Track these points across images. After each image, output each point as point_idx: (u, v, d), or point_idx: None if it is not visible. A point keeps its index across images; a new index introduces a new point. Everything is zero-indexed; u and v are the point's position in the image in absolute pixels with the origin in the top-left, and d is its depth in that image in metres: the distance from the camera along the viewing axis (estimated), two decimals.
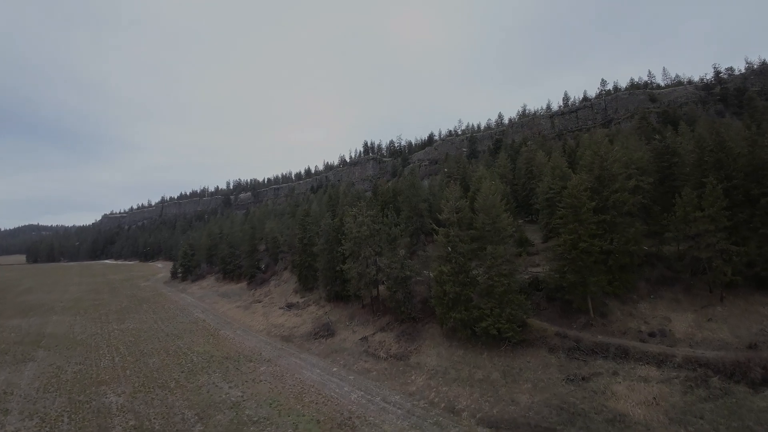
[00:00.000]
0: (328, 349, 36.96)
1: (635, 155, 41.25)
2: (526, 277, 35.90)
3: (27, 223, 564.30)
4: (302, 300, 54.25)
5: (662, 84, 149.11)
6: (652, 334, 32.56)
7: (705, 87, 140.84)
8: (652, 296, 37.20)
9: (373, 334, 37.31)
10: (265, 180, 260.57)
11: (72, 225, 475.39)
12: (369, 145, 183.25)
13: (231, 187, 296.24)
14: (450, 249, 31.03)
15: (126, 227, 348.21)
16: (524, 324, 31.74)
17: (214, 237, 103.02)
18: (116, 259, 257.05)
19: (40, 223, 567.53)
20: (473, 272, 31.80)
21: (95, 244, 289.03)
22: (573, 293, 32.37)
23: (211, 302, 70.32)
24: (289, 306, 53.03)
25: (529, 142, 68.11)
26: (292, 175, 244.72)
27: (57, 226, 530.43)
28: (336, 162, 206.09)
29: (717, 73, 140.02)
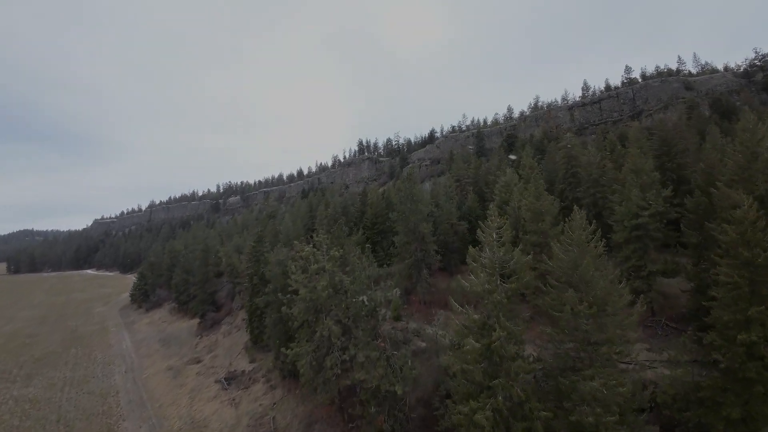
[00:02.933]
0: None
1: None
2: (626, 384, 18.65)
3: (22, 228, 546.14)
4: (250, 368, 37.32)
5: (693, 71, 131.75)
6: None
7: (744, 74, 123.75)
8: None
9: None
10: (256, 183, 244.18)
11: (67, 229, 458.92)
12: (364, 143, 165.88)
13: (221, 190, 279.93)
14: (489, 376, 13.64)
15: (114, 233, 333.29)
16: None
17: (175, 255, 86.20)
18: (98, 269, 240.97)
19: (35, 228, 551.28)
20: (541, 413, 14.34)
21: (78, 252, 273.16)
22: None
23: (145, 353, 53.49)
24: (229, 379, 36.09)
25: (567, 135, 50.83)
26: (284, 177, 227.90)
27: (51, 230, 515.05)
28: (330, 163, 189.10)
29: (754, 59, 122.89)
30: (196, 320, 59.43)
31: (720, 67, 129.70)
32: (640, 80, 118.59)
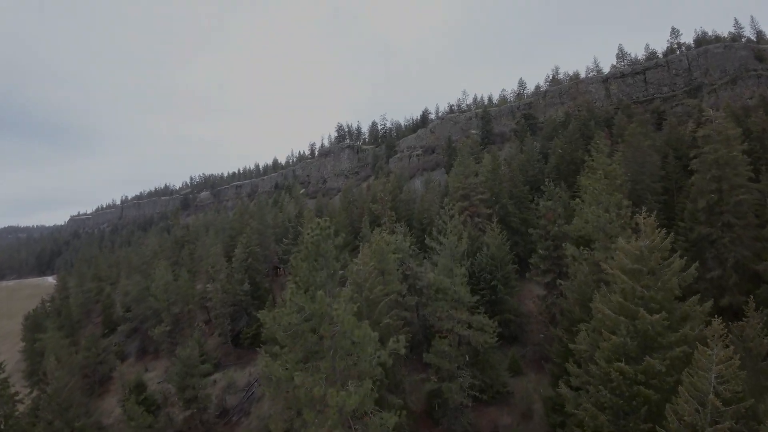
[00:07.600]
0: None
1: None
2: None
3: (7, 225, 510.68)
4: None
5: (752, 38, 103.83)
6: None
7: None
8: None
9: None
10: (228, 175, 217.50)
11: (53, 224, 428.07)
12: (346, 128, 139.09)
13: (195, 183, 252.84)
14: None
15: (86, 231, 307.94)
16: None
17: (67, 295, 61.63)
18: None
19: (20, 224, 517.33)
20: None
21: (41, 257, 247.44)
22: None
23: None
24: None
25: (711, 112, 25.43)
26: (260, 168, 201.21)
27: (37, 227, 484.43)
28: (307, 152, 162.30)
29: None
30: None
31: None
32: (693, 46, 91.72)
